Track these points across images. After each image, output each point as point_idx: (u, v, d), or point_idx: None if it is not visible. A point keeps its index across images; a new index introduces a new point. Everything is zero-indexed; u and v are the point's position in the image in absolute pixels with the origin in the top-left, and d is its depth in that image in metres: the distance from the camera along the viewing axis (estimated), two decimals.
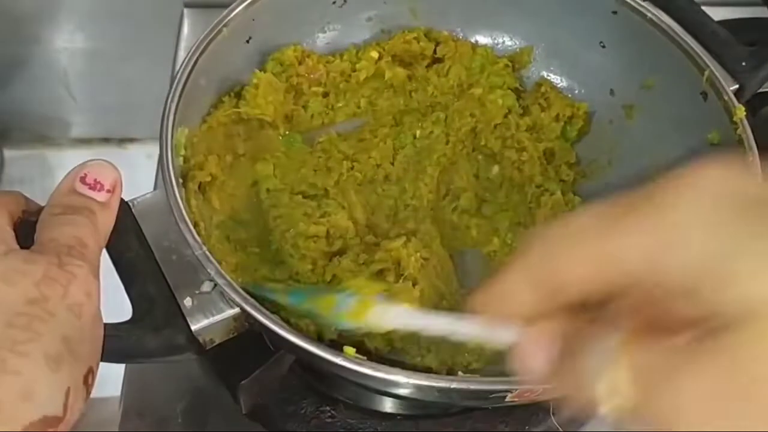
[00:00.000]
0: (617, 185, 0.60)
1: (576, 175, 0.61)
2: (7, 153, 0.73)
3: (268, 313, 0.43)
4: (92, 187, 0.41)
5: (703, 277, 0.23)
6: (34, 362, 0.33)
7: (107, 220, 0.41)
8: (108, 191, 0.41)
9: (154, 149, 0.62)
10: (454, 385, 0.41)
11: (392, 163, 0.59)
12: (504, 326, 0.27)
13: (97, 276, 0.38)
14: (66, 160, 0.73)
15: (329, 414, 0.55)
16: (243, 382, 0.51)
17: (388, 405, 0.56)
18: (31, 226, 0.40)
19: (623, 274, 0.24)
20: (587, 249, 0.25)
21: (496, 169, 0.60)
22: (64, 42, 0.75)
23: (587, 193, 0.60)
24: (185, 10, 0.74)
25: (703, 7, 0.58)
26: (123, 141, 0.71)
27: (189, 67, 0.52)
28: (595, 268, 0.25)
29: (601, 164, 0.61)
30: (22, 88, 0.75)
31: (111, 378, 0.57)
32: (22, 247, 0.39)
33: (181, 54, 0.52)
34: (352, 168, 0.59)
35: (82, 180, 0.41)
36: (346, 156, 0.60)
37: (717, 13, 0.58)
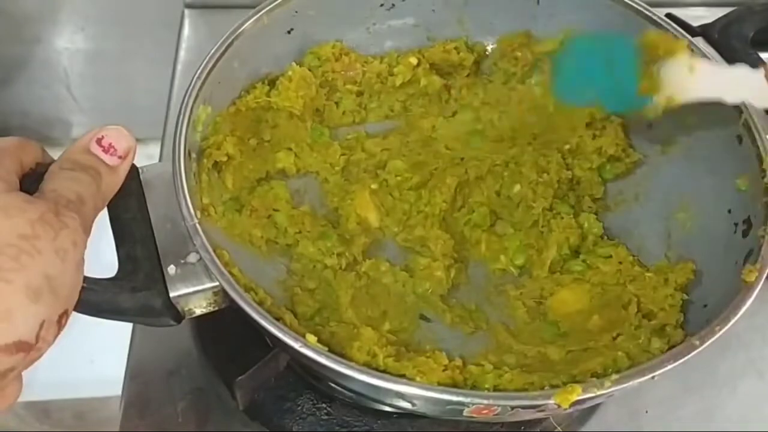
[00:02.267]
0: (639, 220, 0.58)
1: (598, 208, 0.59)
2: None
3: (242, 291, 0.44)
4: (105, 150, 0.43)
5: None
6: (15, 289, 0.35)
7: (112, 184, 0.44)
8: (120, 157, 0.44)
9: (155, 149, 0.65)
10: (408, 390, 0.41)
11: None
12: None
13: (87, 231, 0.40)
14: None
15: (325, 411, 0.55)
16: (239, 378, 0.52)
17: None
18: (39, 177, 0.43)
19: None
20: None
21: (517, 187, 0.59)
22: (65, 42, 0.76)
23: (608, 223, 0.59)
24: (186, 11, 0.75)
25: (688, 9, 0.56)
26: None
27: (222, 48, 0.54)
28: None
29: (627, 198, 0.59)
30: (23, 89, 0.77)
31: (111, 378, 0.60)
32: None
33: (182, 54, 0.54)
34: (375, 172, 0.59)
35: (98, 141, 0.43)
36: (371, 155, 0.60)
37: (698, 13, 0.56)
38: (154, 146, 0.49)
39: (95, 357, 0.42)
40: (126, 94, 0.72)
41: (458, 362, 0.47)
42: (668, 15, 0.58)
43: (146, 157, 0.53)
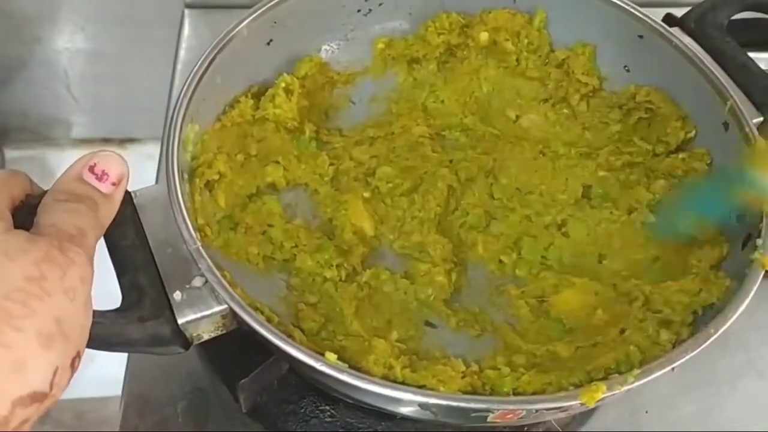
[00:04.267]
0: None
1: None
2: (8, 153, 0.75)
3: (253, 312, 0.43)
4: (99, 178, 0.42)
5: None
6: (27, 338, 0.33)
7: (109, 212, 0.42)
8: (113, 184, 0.42)
9: (154, 149, 0.63)
10: (433, 401, 0.41)
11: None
12: None
13: (92, 265, 0.39)
14: (67, 161, 0.72)
15: (329, 413, 0.54)
16: (243, 381, 0.51)
17: None
18: (32, 210, 0.41)
19: None
20: None
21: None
22: (65, 43, 0.76)
23: None
24: (186, 11, 0.74)
25: None
26: (123, 141, 0.73)
27: (205, 64, 0.53)
28: None
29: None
30: (23, 89, 0.77)
31: (111, 378, 0.59)
32: (20, 228, 0.39)
33: (182, 54, 0.53)
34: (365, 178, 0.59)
35: (90, 169, 0.42)
36: (359, 163, 0.60)
37: None
38: (154, 146, 0.48)
39: (95, 357, 0.41)
40: (126, 94, 0.71)
41: (475, 368, 0.46)
42: (667, 15, 0.59)
43: (146, 156, 0.52)
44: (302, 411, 0.54)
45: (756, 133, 0.51)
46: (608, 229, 0.57)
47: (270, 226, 0.55)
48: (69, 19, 0.75)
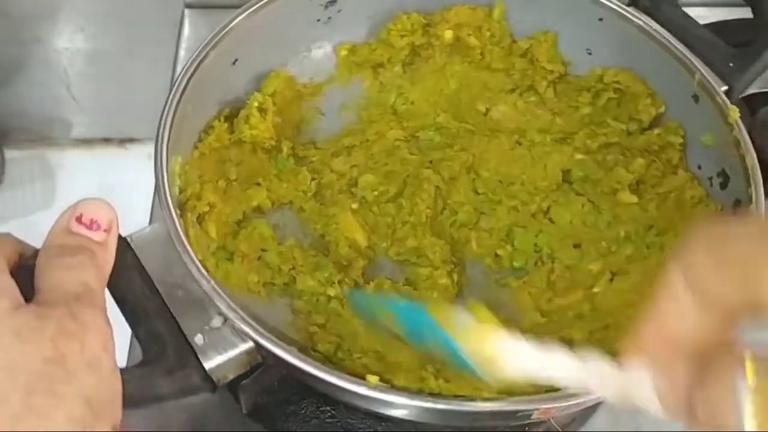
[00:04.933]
0: None
1: None
2: (8, 153, 0.73)
3: (284, 345, 0.42)
4: (89, 227, 0.40)
5: None
6: (57, 425, 0.32)
7: (107, 260, 0.40)
8: (105, 230, 0.40)
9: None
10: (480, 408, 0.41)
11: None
12: (635, 369, 0.28)
13: (108, 322, 0.37)
14: (67, 161, 0.72)
15: (329, 414, 0.54)
16: (243, 381, 0.50)
17: None
18: (29, 272, 0.39)
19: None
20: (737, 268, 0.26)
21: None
22: (65, 42, 0.75)
23: None
24: (186, 11, 0.74)
25: (687, 9, 0.58)
26: (124, 141, 0.70)
27: (178, 94, 0.50)
28: (746, 288, 0.26)
29: None
30: (23, 89, 0.76)
31: None
32: (24, 296, 0.37)
33: (182, 54, 0.52)
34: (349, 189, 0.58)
35: (78, 220, 0.40)
36: (341, 175, 0.59)
37: (698, 13, 0.58)
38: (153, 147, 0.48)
39: None
40: (126, 94, 0.69)
41: None
42: None
43: (147, 157, 0.50)
44: (303, 412, 0.54)
45: (728, 102, 0.53)
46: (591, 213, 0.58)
47: (264, 250, 0.53)
48: (69, 20, 0.74)
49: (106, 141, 0.71)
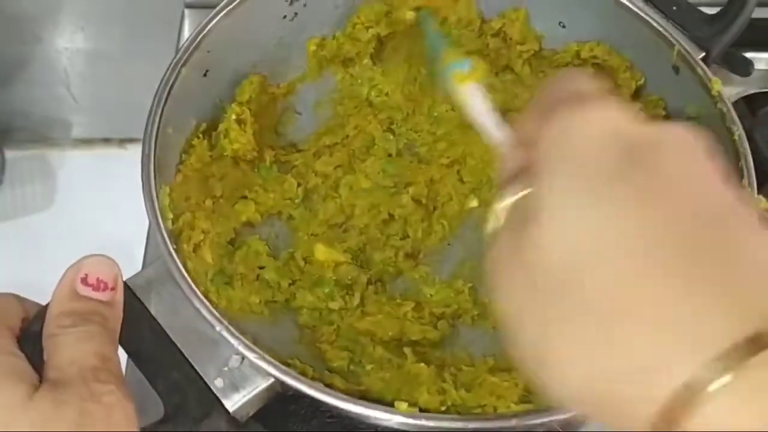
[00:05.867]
0: None
1: None
2: (8, 153, 0.71)
3: (305, 379, 0.42)
4: (96, 288, 0.38)
5: None
6: None
7: (117, 319, 0.39)
8: (112, 289, 0.39)
9: None
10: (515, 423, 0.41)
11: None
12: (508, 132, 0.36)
13: (128, 393, 0.36)
14: (67, 161, 0.72)
15: (329, 414, 0.53)
16: None
17: None
18: (36, 338, 0.37)
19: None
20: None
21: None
22: (65, 42, 0.74)
23: None
24: (186, 11, 0.73)
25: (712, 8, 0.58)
26: (124, 141, 0.72)
27: (157, 119, 0.48)
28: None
29: None
30: (23, 89, 0.75)
31: None
32: (33, 366, 0.36)
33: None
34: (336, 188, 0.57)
35: (84, 281, 0.38)
36: (325, 177, 0.57)
37: None
38: None
39: None
40: (126, 94, 0.68)
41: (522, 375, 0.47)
42: None
43: None
44: (303, 411, 0.53)
45: (709, 73, 0.53)
46: None
47: (261, 268, 0.52)
48: (69, 19, 0.73)
49: (107, 141, 0.71)
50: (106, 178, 0.69)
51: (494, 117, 0.38)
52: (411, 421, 0.40)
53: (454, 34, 0.61)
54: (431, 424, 0.40)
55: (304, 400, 0.53)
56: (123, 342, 0.40)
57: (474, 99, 0.40)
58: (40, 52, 0.75)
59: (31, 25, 0.73)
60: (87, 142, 0.72)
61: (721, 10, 0.57)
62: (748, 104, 0.64)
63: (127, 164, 0.51)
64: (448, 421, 0.41)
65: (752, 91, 0.65)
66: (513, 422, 0.40)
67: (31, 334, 0.38)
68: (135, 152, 0.48)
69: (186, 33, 0.71)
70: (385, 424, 0.41)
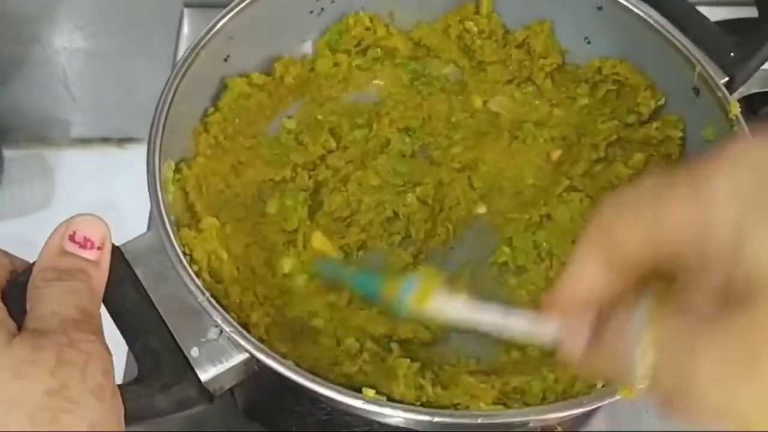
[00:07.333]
0: None
1: None
2: (6, 153, 0.72)
3: (280, 358, 0.42)
4: (82, 246, 0.39)
5: (727, 250, 0.23)
6: None
7: (101, 279, 0.40)
8: (98, 248, 0.39)
9: None
10: (479, 421, 0.41)
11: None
12: (547, 320, 0.29)
13: (106, 345, 0.37)
14: (66, 160, 0.72)
15: (325, 411, 0.54)
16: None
17: None
18: (21, 291, 0.38)
19: (671, 241, 0.25)
20: (640, 213, 0.26)
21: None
22: (64, 42, 0.75)
23: None
24: (185, 10, 0.74)
25: (698, 7, 0.57)
26: (123, 141, 0.71)
27: (170, 96, 0.50)
28: (647, 232, 0.26)
29: None
30: (22, 88, 0.76)
31: None
32: (14, 316, 0.37)
33: (181, 53, 0.51)
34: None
35: (71, 238, 0.39)
36: (336, 170, 0.58)
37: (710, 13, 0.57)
38: None
39: None
40: (125, 94, 0.70)
41: (501, 379, 0.46)
42: None
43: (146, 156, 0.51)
44: (299, 409, 0.54)
45: (729, 96, 0.52)
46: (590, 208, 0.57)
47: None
48: (68, 19, 0.74)
49: (105, 140, 0.71)
50: (105, 178, 0.69)
51: (499, 310, 0.32)
52: (375, 408, 0.40)
53: (476, 44, 0.61)
54: (394, 412, 0.40)
55: (301, 397, 0.54)
56: (107, 302, 0.41)
57: (456, 306, 0.34)
58: (38, 51, 0.75)
59: (29, 24, 0.74)
60: (85, 141, 0.73)
61: (747, 36, 0.56)
62: (749, 104, 0.63)
63: (125, 164, 0.51)
64: (414, 413, 0.40)
65: (753, 91, 0.64)
66: (479, 420, 0.40)
67: (16, 286, 0.39)
68: (134, 152, 0.48)
69: (185, 32, 0.72)
70: (353, 411, 0.41)
